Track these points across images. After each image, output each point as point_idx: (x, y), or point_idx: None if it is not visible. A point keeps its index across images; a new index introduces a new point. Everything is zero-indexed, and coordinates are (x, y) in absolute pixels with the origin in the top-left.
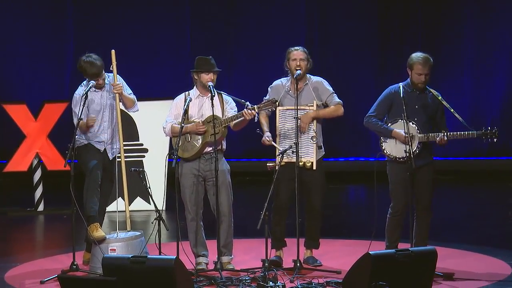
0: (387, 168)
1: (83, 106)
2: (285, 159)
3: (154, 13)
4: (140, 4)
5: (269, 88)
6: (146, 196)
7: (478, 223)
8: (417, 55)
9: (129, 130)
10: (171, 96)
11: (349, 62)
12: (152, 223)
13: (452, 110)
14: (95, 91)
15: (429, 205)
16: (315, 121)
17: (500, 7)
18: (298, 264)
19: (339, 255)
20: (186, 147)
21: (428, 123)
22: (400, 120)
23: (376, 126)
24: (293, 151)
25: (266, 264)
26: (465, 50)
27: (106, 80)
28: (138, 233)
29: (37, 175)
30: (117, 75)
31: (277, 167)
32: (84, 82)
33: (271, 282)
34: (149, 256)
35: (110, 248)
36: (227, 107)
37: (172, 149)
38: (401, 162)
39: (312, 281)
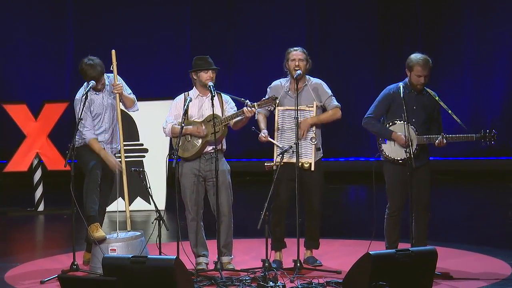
0: (383, 168)
1: (83, 106)
2: (284, 159)
3: (154, 13)
4: (140, 4)
5: (268, 89)
6: (146, 196)
7: (478, 223)
8: (416, 57)
9: (129, 130)
10: (171, 96)
11: (349, 62)
12: (152, 223)
13: (450, 111)
14: (95, 93)
15: (428, 205)
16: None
17: (500, 7)
18: (298, 264)
19: (339, 255)
20: (186, 147)
21: (425, 123)
22: (399, 121)
23: (375, 127)
24: (293, 151)
25: (266, 264)
26: (465, 50)
27: (106, 81)
28: (138, 233)
29: (37, 175)
30: (117, 75)
31: (274, 167)
32: (84, 85)
33: (271, 282)
34: (149, 256)
35: (110, 248)
36: (227, 107)
37: (172, 149)
38: (399, 164)
39: (312, 281)
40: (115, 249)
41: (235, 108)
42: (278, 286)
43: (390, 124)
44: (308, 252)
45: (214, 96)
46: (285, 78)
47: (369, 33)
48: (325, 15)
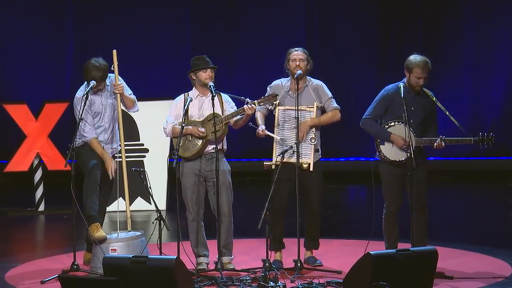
0: (380, 169)
1: (84, 106)
2: (284, 159)
3: (154, 13)
4: (140, 4)
5: (268, 88)
6: (147, 196)
7: (478, 223)
8: (416, 59)
9: (130, 130)
10: (171, 96)
11: (349, 62)
12: (153, 223)
13: (447, 113)
14: (95, 93)
15: (425, 204)
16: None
17: (500, 7)
18: (298, 264)
19: (340, 255)
20: (187, 146)
21: (422, 124)
22: (397, 123)
23: (373, 129)
24: (294, 151)
25: (267, 264)
26: (465, 50)
27: (107, 81)
28: (138, 233)
29: (38, 175)
30: (118, 75)
31: (273, 166)
32: (85, 84)
33: (271, 282)
34: (149, 256)
35: (110, 248)
36: (227, 106)
37: (173, 149)
38: (396, 165)
39: (313, 281)
40: (115, 249)
41: (235, 108)
42: (279, 286)
43: (389, 125)
44: (308, 252)
45: (215, 96)
46: (286, 78)
47: (369, 33)
48: (325, 15)
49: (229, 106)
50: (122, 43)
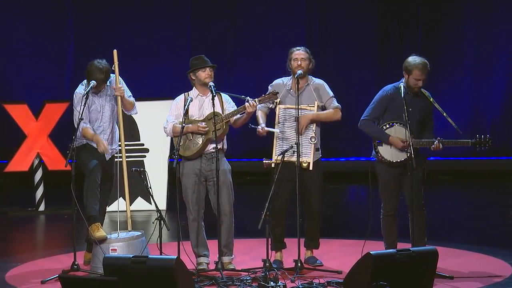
0: (376, 169)
1: (84, 106)
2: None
3: (154, 13)
4: (140, 4)
5: (269, 87)
6: (147, 196)
7: (478, 223)
8: (415, 60)
9: (130, 130)
10: (171, 96)
11: (349, 62)
12: (153, 223)
13: (444, 114)
14: (95, 94)
15: (422, 204)
16: (314, 123)
17: (500, 7)
18: (299, 264)
19: (340, 255)
20: (188, 146)
21: (419, 125)
22: (396, 124)
23: (372, 130)
24: (294, 151)
25: (267, 264)
26: (465, 50)
27: (107, 82)
28: (139, 233)
29: (38, 175)
30: (119, 76)
31: (273, 165)
32: (84, 81)
33: (272, 282)
34: (150, 256)
35: (111, 248)
36: (227, 106)
37: (173, 149)
38: (394, 166)
39: (313, 281)
40: (115, 249)
41: (236, 107)
42: (279, 286)
43: (387, 126)
44: (309, 252)
45: (215, 96)
46: (288, 77)
47: (369, 33)
48: (325, 15)
49: (229, 105)
50: (122, 43)
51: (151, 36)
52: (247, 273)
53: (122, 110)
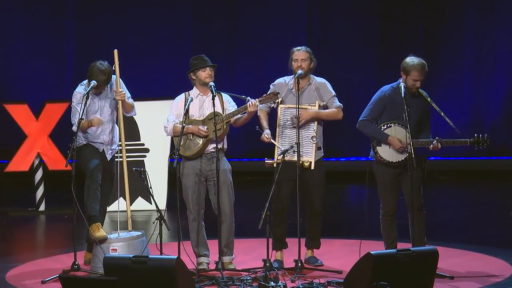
0: (374, 169)
1: (84, 106)
2: (285, 158)
3: (155, 12)
4: (140, 3)
5: (271, 85)
6: (148, 196)
7: (478, 223)
8: (413, 61)
9: (130, 130)
10: (171, 96)
11: (349, 62)
12: (154, 223)
13: (442, 113)
14: (95, 94)
15: (421, 204)
16: (316, 122)
17: (500, 7)
18: (299, 264)
19: (340, 255)
20: (188, 146)
21: (416, 125)
22: (394, 124)
23: (371, 131)
24: (294, 151)
25: (268, 264)
26: (466, 50)
27: (108, 84)
28: (139, 233)
29: (38, 175)
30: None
31: (274, 165)
32: (84, 82)
33: (272, 282)
34: (150, 256)
35: (111, 248)
36: (227, 106)
37: (173, 149)
38: (392, 166)
39: (313, 281)
40: (116, 249)
41: (236, 107)
42: (279, 286)
43: (385, 127)
44: (309, 252)
45: (215, 96)
46: (289, 76)
47: (370, 33)
48: (326, 15)
49: (230, 105)
50: (122, 43)
51: (151, 36)
52: (247, 273)
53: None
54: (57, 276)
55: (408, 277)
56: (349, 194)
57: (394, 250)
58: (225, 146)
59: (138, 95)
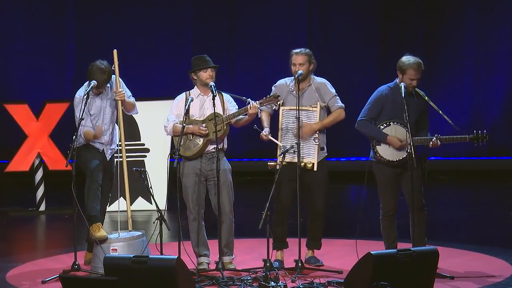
0: (374, 169)
1: (85, 106)
2: (287, 159)
3: (155, 12)
4: (140, 3)
5: (273, 87)
6: (148, 196)
7: (479, 222)
8: (409, 60)
9: (131, 130)
10: (172, 96)
11: (349, 62)
12: (154, 223)
13: (440, 111)
14: (95, 94)
15: (422, 204)
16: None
17: (501, 7)
18: (299, 264)
19: (341, 255)
20: (188, 146)
21: (416, 124)
22: (392, 123)
23: (369, 131)
24: (294, 151)
25: (268, 264)
26: (466, 50)
27: (108, 83)
28: (139, 233)
29: (39, 175)
30: (119, 77)
31: (278, 167)
32: (85, 84)
33: (272, 282)
34: (150, 256)
35: (111, 248)
36: (228, 106)
37: (173, 148)
38: (392, 165)
39: (314, 281)
40: (116, 249)
41: (237, 107)
42: (280, 286)
43: (384, 126)
44: (310, 252)
45: (216, 95)
46: (291, 78)
47: (370, 33)
48: (326, 15)
49: (231, 105)
50: (122, 43)
51: (151, 36)
52: (247, 273)
53: (123, 110)
54: (57, 276)
55: (408, 277)
56: (349, 194)
57: (395, 250)
58: (225, 146)
59: (138, 95)
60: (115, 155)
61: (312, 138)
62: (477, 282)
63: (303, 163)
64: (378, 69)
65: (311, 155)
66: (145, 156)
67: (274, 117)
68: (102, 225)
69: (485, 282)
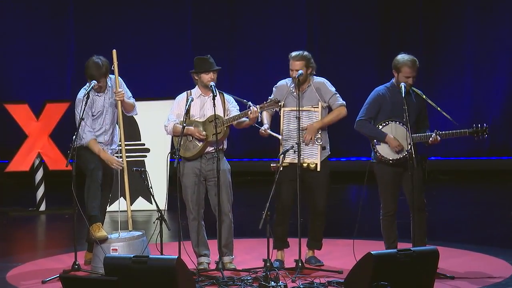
0: (375, 169)
1: (85, 106)
2: (289, 160)
3: (155, 12)
4: (140, 3)
5: (274, 88)
6: (148, 196)
7: (479, 222)
8: (404, 58)
9: (131, 130)
10: (172, 96)
11: (349, 62)
12: (154, 223)
13: (438, 108)
14: (97, 94)
15: (423, 204)
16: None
17: (501, 6)
18: (299, 264)
19: (341, 255)
20: (188, 147)
21: (415, 123)
22: (390, 122)
23: (368, 130)
24: (294, 151)
25: (268, 264)
26: (466, 50)
27: (108, 83)
28: (139, 233)
29: (39, 175)
30: (118, 77)
31: (281, 168)
32: (86, 85)
33: (272, 282)
34: (150, 256)
35: (111, 248)
36: (229, 106)
37: (173, 148)
38: (393, 164)
39: (314, 281)
40: (116, 249)
41: (237, 108)
42: (280, 286)
43: (383, 125)
44: (310, 252)
45: (216, 95)
46: (291, 78)
47: (370, 33)
48: (326, 15)
49: (231, 106)
50: (123, 43)
51: (151, 36)
52: (248, 273)
53: (122, 111)
54: (57, 276)
55: (408, 277)
56: (350, 194)
57: (395, 250)
58: (225, 147)
59: (138, 95)
60: (115, 155)
61: (315, 138)
62: (477, 282)
63: (306, 164)
64: (378, 69)
65: (314, 156)
66: (145, 156)
67: (275, 117)
68: (102, 225)
69: (485, 282)
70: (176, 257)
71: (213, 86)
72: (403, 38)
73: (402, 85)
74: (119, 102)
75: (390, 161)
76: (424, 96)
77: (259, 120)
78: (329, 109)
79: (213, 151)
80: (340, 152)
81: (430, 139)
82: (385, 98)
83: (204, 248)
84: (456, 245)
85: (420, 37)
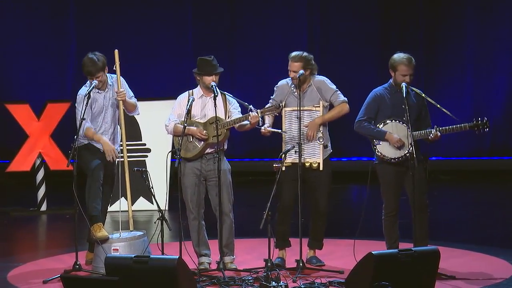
0: (377, 169)
1: (86, 106)
2: (291, 160)
3: (156, 12)
4: (140, 3)
5: (275, 88)
6: (149, 196)
7: (480, 222)
8: (400, 56)
9: (132, 130)
10: (173, 96)
11: (349, 62)
12: (155, 223)
13: (438, 105)
14: (98, 92)
15: (425, 204)
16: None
17: (501, 6)
18: (301, 264)
19: (342, 255)
20: (188, 147)
21: (415, 122)
22: (390, 121)
23: (368, 130)
24: (295, 151)
25: (269, 264)
26: (466, 50)
27: (109, 81)
28: (140, 233)
29: (40, 175)
30: (120, 77)
31: (283, 168)
32: (88, 83)
33: (273, 282)
34: (151, 256)
35: (112, 248)
36: (230, 108)
37: (173, 148)
38: (394, 163)
39: (315, 281)
40: (117, 249)
41: (239, 109)
42: (281, 286)
43: (382, 125)
44: (311, 252)
45: (217, 95)
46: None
47: (370, 33)
48: (326, 15)
49: (233, 107)
50: (123, 43)
51: (151, 36)
52: (249, 273)
53: (124, 111)
54: (58, 276)
55: (409, 277)
56: (351, 194)
57: (396, 250)
58: (225, 147)
59: (139, 95)
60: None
61: (317, 137)
62: (478, 282)
63: (309, 163)
64: (378, 69)
65: (316, 155)
66: (146, 156)
67: (277, 117)
68: (104, 225)
69: (486, 282)
70: (177, 257)
71: (214, 86)
72: (403, 38)
73: (403, 85)
74: (121, 103)
75: (392, 160)
76: (423, 95)
77: (260, 124)
78: (331, 107)
79: (213, 152)
80: (341, 152)
81: (431, 135)
82: (384, 99)
83: (204, 248)
84: (457, 245)
85: (420, 37)
